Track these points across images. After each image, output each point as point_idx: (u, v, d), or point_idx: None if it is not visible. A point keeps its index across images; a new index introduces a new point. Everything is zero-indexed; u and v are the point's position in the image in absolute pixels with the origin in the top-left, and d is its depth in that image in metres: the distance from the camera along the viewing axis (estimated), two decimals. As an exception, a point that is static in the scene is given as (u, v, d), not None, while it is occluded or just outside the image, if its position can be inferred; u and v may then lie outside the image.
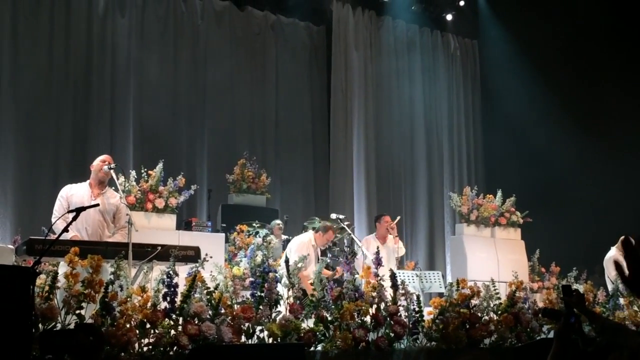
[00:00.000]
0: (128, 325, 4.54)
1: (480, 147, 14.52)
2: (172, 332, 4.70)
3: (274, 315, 5.19)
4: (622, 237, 7.95)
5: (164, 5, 11.69)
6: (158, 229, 7.68)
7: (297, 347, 5.01)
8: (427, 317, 6.00)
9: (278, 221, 9.91)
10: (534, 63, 13.00)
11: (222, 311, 4.93)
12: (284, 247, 8.78)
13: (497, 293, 6.50)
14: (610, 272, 9.59)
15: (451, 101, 14.28)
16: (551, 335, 4.54)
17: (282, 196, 12.29)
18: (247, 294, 5.34)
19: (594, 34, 12.62)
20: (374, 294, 5.74)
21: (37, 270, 4.15)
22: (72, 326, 4.40)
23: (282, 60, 12.87)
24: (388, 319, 5.73)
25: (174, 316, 4.77)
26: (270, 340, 5.08)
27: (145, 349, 4.61)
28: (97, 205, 5.61)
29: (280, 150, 12.64)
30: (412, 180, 13.57)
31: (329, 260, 8.51)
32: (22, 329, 3.64)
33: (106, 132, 10.75)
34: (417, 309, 5.93)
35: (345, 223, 8.87)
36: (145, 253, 5.63)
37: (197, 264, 5.18)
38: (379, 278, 5.88)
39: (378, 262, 6.23)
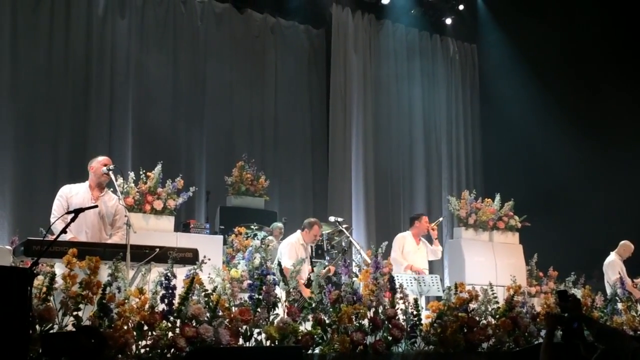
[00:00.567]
0: (125, 327, 4.53)
1: (479, 151, 14.52)
2: (170, 334, 4.69)
3: (271, 317, 5.19)
4: (622, 242, 7.93)
5: (164, 7, 11.68)
6: (156, 230, 7.66)
7: (295, 350, 5.00)
8: (425, 321, 6.00)
9: (280, 224, 9.89)
10: (533, 67, 13.02)
11: (220, 313, 4.92)
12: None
13: (495, 297, 6.51)
14: (610, 277, 9.60)
15: (450, 105, 14.29)
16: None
17: (281, 198, 12.28)
18: (245, 296, 5.33)
19: (592, 38, 12.64)
20: (372, 297, 5.74)
21: (35, 272, 4.14)
22: (69, 328, 4.40)
23: (281, 63, 12.87)
24: (386, 322, 5.72)
25: (171, 318, 4.76)
26: (268, 343, 5.07)
27: (142, 351, 4.60)
28: (96, 206, 5.60)
29: (279, 152, 12.64)
30: (411, 183, 13.57)
31: (326, 263, 8.49)
32: (19, 331, 3.63)
33: (105, 133, 10.74)
34: (415, 312, 5.93)
35: (344, 226, 8.86)
36: (143, 255, 5.62)
37: (195, 266, 5.18)
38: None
39: (376, 266, 6.22)
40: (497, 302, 6.51)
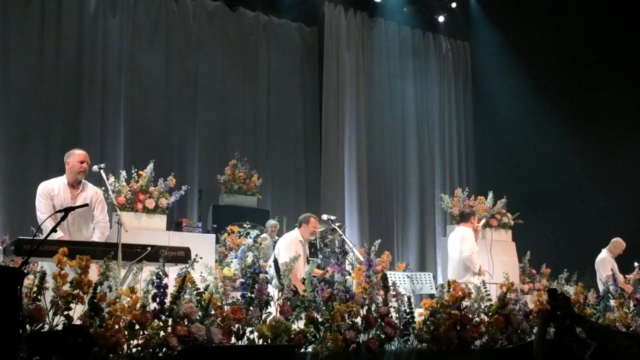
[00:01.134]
0: (117, 327, 4.50)
1: (472, 148, 14.55)
2: (162, 333, 4.66)
3: (264, 316, 5.17)
4: (613, 239, 7.96)
5: (156, 5, 11.64)
6: (148, 229, 7.64)
7: (288, 349, 4.99)
8: (418, 319, 5.99)
9: (274, 221, 9.88)
10: (526, 65, 13.04)
11: (212, 312, 4.90)
12: (274, 248, 8.75)
13: (488, 294, 6.50)
14: (601, 274, 9.62)
15: (443, 103, 14.30)
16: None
17: (274, 197, 12.27)
18: (238, 295, 5.31)
19: (585, 35, 12.67)
20: (365, 295, 5.73)
21: (25, 271, 4.11)
22: (60, 327, 4.36)
23: (274, 61, 12.85)
24: (379, 320, 5.71)
25: (163, 317, 4.74)
26: (261, 342, 5.06)
27: (134, 350, 4.57)
28: (86, 205, 5.58)
29: (272, 151, 12.62)
30: (404, 181, 13.58)
31: (319, 261, 8.48)
32: (9, 330, 3.60)
33: (97, 132, 10.70)
34: (408, 310, 5.92)
35: (337, 224, 8.84)
36: (135, 254, 5.60)
37: (187, 265, 5.15)
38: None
39: (369, 264, 6.21)
40: (490, 300, 6.51)
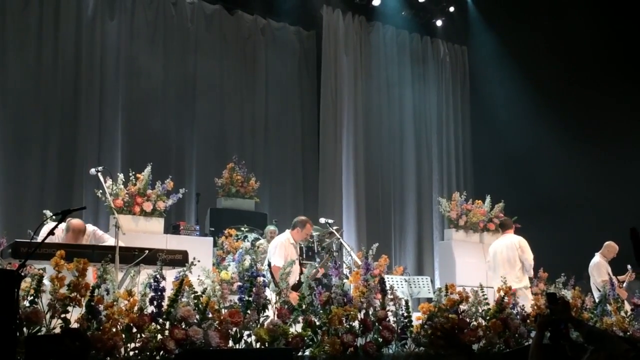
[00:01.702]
0: (114, 330, 4.49)
1: (469, 152, 14.56)
2: (159, 336, 4.66)
3: (261, 319, 5.16)
4: (606, 243, 7.95)
5: (154, 8, 11.64)
6: (145, 232, 7.64)
7: (285, 352, 4.98)
8: (416, 323, 5.99)
9: (273, 227, 9.87)
10: (524, 69, 13.05)
11: (210, 315, 4.89)
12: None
13: (486, 298, 6.50)
14: (596, 279, 9.62)
15: (440, 106, 14.32)
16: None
17: (271, 200, 12.26)
18: (235, 298, 5.30)
19: (583, 39, 12.68)
20: (363, 299, 5.72)
21: (22, 274, 4.10)
22: (57, 330, 4.36)
23: (272, 65, 12.86)
24: (376, 324, 5.71)
25: (160, 320, 4.73)
26: (258, 345, 5.05)
27: (131, 353, 4.57)
28: (84, 208, 5.59)
29: (270, 154, 12.63)
30: (401, 184, 13.58)
31: (316, 265, 8.47)
32: (7, 333, 3.59)
33: (94, 135, 10.69)
34: (405, 314, 5.92)
35: (334, 227, 8.84)
36: (133, 257, 5.60)
37: (185, 268, 5.14)
38: None
39: (367, 268, 6.22)
40: (487, 304, 6.51)
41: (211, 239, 8.80)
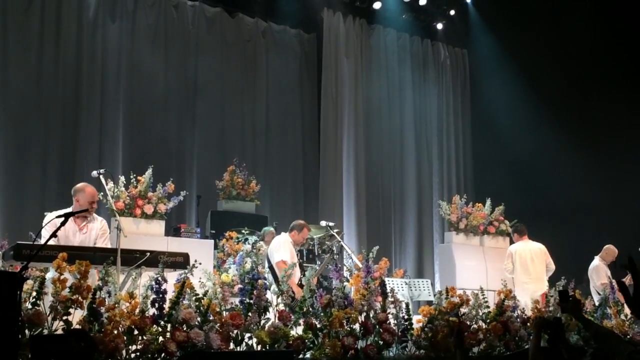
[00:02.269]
0: (116, 332, 4.50)
1: (470, 155, 14.57)
2: (160, 338, 4.66)
3: (262, 322, 5.17)
4: (606, 246, 8.00)
5: (155, 11, 11.66)
6: (147, 234, 7.64)
7: (286, 355, 4.99)
8: (416, 325, 5.99)
9: (271, 228, 9.88)
10: (524, 72, 13.07)
11: (211, 318, 4.90)
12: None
13: (486, 301, 6.51)
14: (595, 282, 9.63)
15: (441, 109, 14.34)
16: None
17: (272, 203, 12.28)
18: (236, 300, 5.31)
19: (583, 42, 12.70)
20: (363, 301, 5.73)
21: (25, 276, 4.11)
22: (59, 332, 4.37)
23: (273, 67, 12.88)
24: (377, 326, 5.72)
25: (162, 323, 4.74)
26: (259, 348, 5.06)
27: (132, 355, 4.58)
28: (86, 210, 5.59)
29: (270, 157, 12.64)
30: (402, 187, 13.60)
31: (317, 267, 8.48)
32: (9, 335, 3.60)
33: (96, 137, 10.71)
34: (406, 317, 5.92)
35: (335, 230, 8.86)
36: (134, 259, 5.60)
37: (186, 271, 5.15)
38: None
39: (367, 271, 6.23)
40: (487, 307, 6.52)
41: (212, 241, 8.80)
